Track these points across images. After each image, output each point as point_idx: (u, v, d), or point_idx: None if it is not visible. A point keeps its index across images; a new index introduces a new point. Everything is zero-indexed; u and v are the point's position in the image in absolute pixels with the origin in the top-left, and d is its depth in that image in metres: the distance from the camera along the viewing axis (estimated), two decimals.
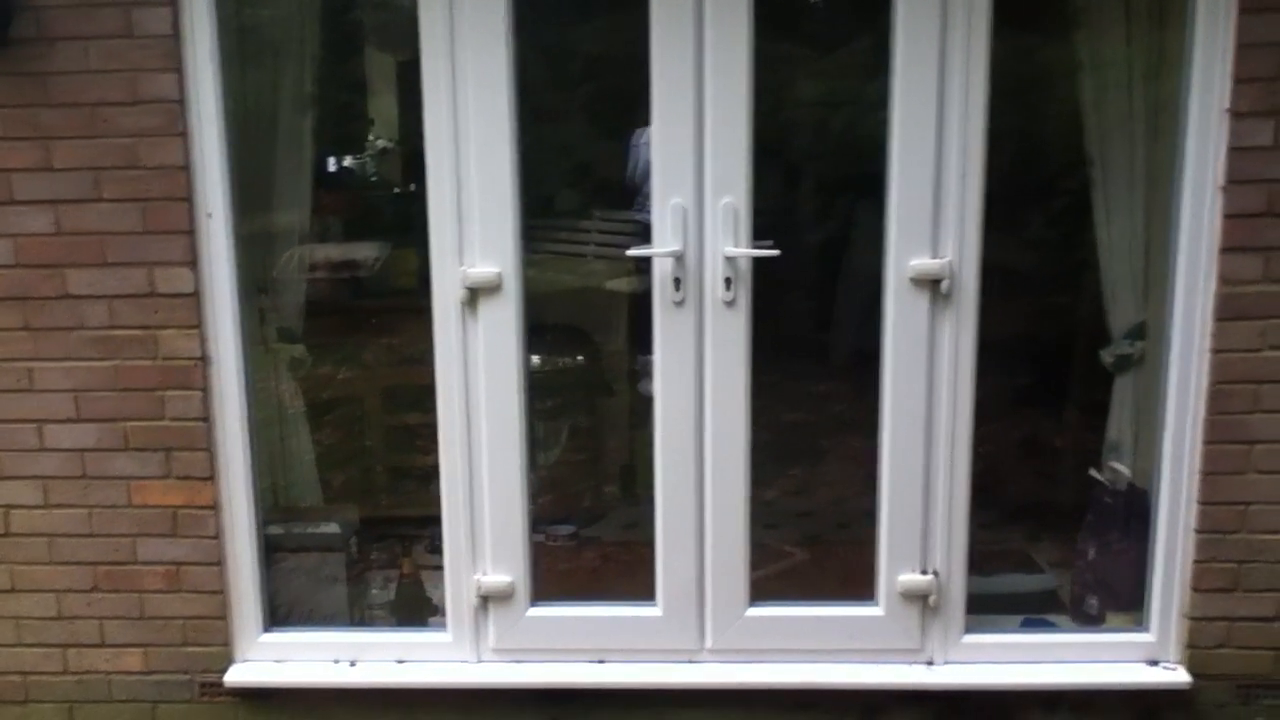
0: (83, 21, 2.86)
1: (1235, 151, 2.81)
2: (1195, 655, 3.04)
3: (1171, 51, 2.94)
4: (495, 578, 3.14)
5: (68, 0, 2.85)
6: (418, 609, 3.47)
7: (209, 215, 2.99)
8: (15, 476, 3.10)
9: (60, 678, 3.21)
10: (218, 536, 3.12)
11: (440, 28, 2.89)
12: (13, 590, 3.16)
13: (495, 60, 2.89)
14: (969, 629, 3.11)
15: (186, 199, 2.95)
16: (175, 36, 2.88)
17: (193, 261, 2.98)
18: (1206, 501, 2.96)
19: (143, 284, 2.98)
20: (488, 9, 2.86)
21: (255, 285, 3.29)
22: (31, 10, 2.85)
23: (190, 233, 2.97)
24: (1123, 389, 3.28)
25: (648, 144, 3.03)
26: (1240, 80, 2.78)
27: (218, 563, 3.14)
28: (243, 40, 3.12)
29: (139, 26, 2.86)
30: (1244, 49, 2.76)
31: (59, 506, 3.11)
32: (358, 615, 3.50)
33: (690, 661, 3.15)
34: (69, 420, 3.06)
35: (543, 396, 3.99)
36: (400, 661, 3.22)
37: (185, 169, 2.94)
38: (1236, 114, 2.79)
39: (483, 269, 2.99)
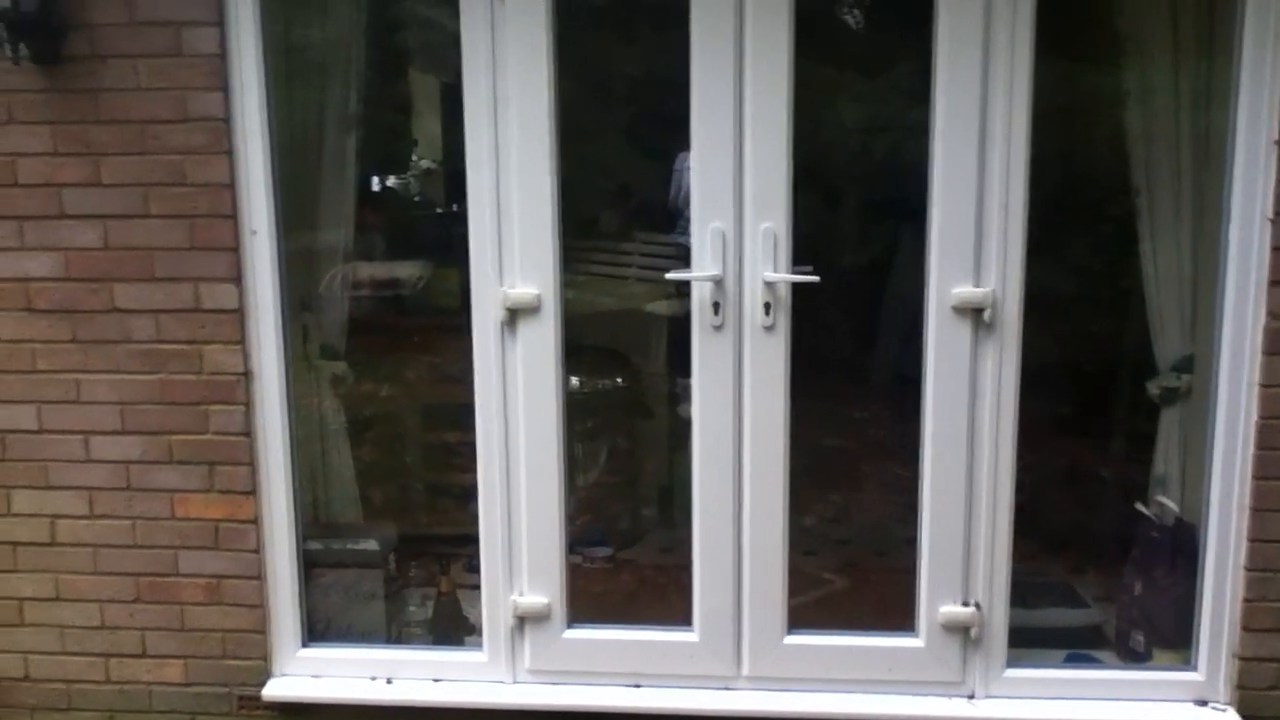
0: (133, 40, 2.91)
1: None
2: (1246, 696, 2.98)
3: (1219, 81, 2.91)
4: (532, 598, 3.14)
5: (118, 19, 2.91)
6: (454, 628, 3.47)
7: (254, 232, 3.02)
8: (62, 487, 3.14)
9: (102, 687, 3.24)
10: (258, 551, 3.14)
11: (483, 49, 2.91)
12: (57, 599, 3.20)
13: (537, 82, 2.90)
14: (1011, 663, 3.07)
15: (232, 216, 2.99)
16: (222, 56, 2.93)
17: (237, 278, 3.02)
18: (1256, 539, 2.91)
19: (188, 299, 3.02)
20: (530, 31, 2.88)
21: (299, 302, 3.32)
22: (84, 29, 2.91)
23: (235, 249, 3.00)
24: (1169, 422, 3.22)
25: (690, 169, 3.03)
26: None
27: (257, 577, 3.16)
28: (289, 60, 3.16)
29: (187, 46, 2.91)
30: None
31: (103, 517, 3.15)
32: (395, 632, 3.50)
33: (726, 689, 3.13)
34: (114, 432, 3.10)
35: (581, 418, 3.98)
36: (436, 680, 3.22)
37: (231, 186, 2.98)
38: None
39: (522, 290, 3.00)
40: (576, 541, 3.56)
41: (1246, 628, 2.96)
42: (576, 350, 3.16)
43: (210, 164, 2.96)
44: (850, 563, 3.95)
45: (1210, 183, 2.97)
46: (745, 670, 3.11)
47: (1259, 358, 2.85)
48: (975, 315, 2.91)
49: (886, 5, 5.00)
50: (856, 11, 5.30)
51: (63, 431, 3.11)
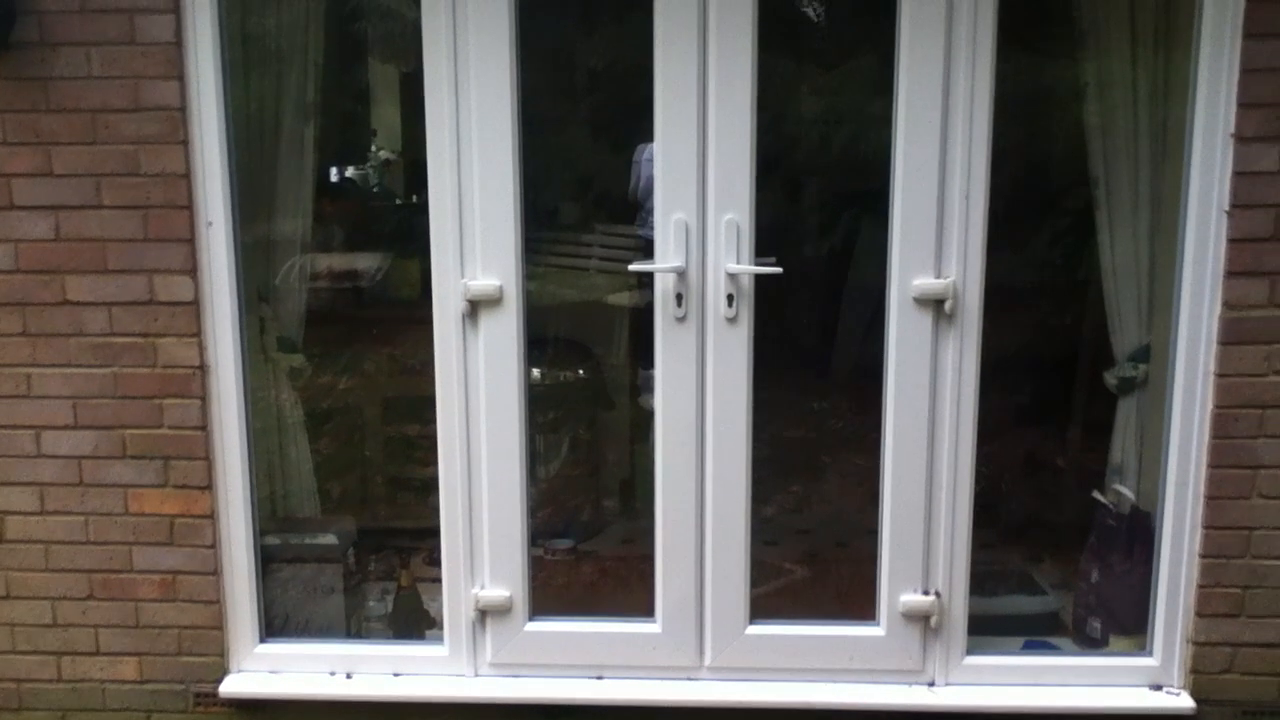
0: (85, 27, 2.86)
1: (1240, 176, 2.81)
2: (1199, 680, 3.03)
3: (1177, 75, 2.95)
4: (493, 591, 3.12)
5: (70, 5, 2.85)
6: (415, 621, 3.45)
7: (209, 223, 2.98)
8: (12, 483, 3.08)
9: (54, 685, 3.18)
10: (214, 546, 3.10)
11: (443, 39, 2.89)
12: (8, 597, 3.14)
13: (499, 71, 2.88)
14: (971, 650, 3.09)
15: (187, 207, 2.94)
16: (178, 44, 2.88)
17: (193, 269, 2.97)
18: (1211, 526, 2.95)
19: (143, 291, 2.97)
20: (492, 21, 2.86)
21: (256, 294, 3.28)
22: (34, 15, 2.84)
23: (191, 241, 2.96)
24: (1126, 411, 3.26)
25: (650, 160, 3.02)
26: (1245, 105, 2.78)
27: (214, 572, 3.12)
28: (246, 48, 3.12)
29: (141, 33, 2.86)
30: (1248, 74, 2.76)
31: (55, 513, 3.09)
32: (354, 627, 3.48)
33: (689, 679, 3.13)
34: (67, 427, 3.05)
35: (543, 409, 3.97)
36: (396, 674, 3.19)
37: (186, 177, 2.93)
38: (1241, 139, 2.79)
39: (484, 281, 2.97)
40: (539, 534, 3.55)
41: (1200, 613, 3.00)
42: (539, 342, 3.15)
43: (165, 154, 2.91)
44: (812, 553, 3.97)
45: (1168, 175, 3.01)
46: (708, 660, 3.11)
47: (1214, 347, 2.89)
48: (936, 306, 2.93)
49: None
50: (818, 3, 5.31)
51: (13, 426, 3.05)
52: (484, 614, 3.14)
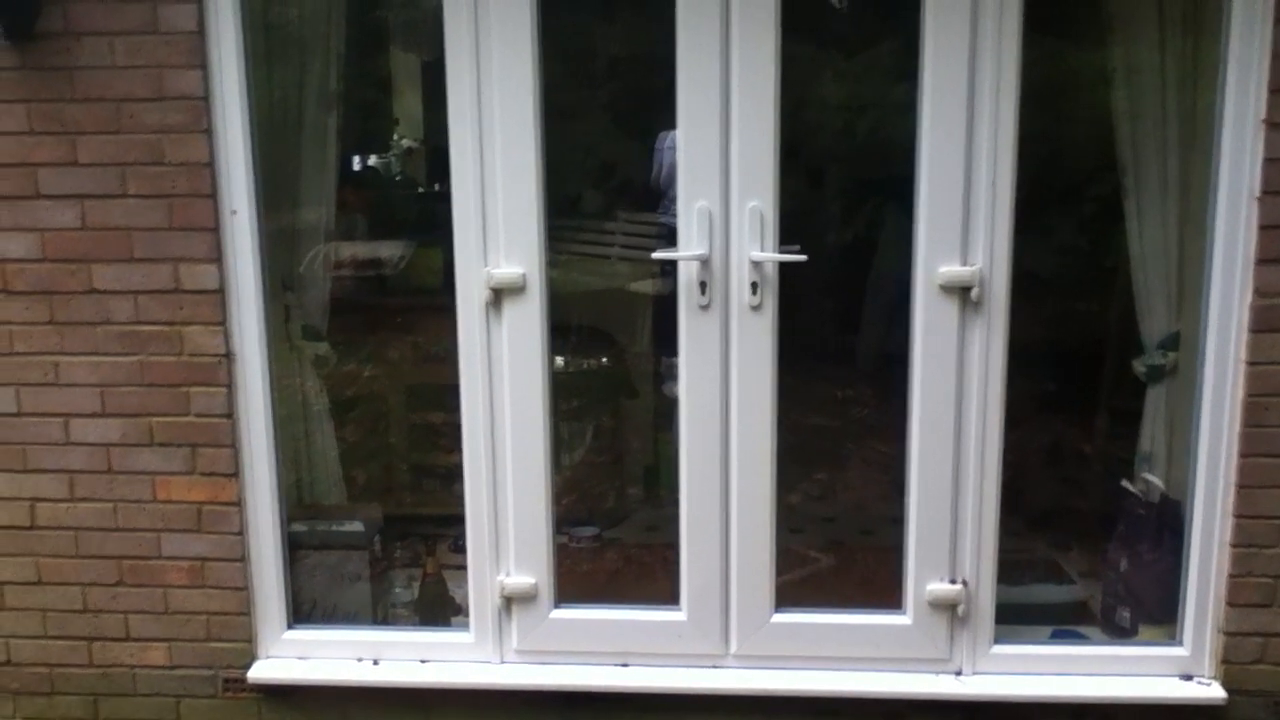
0: (108, 17, 2.86)
1: (1271, 162, 2.77)
2: (1230, 670, 3.00)
3: (1207, 60, 2.90)
4: (518, 579, 3.13)
5: None
6: (441, 609, 3.46)
7: (234, 212, 2.99)
8: (41, 470, 3.11)
9: (85, 670, 3.22)
10: (241, 533, 3.12)
11: (465, 27, 2.88)
12: (39, 583, 3.17)
13: (520, 60, 2.87)
14: (998, 639, 3.08)
15: (211, 196, 2.95)
16: (200, 33, 2.88)
17: (218, 258, 2.98)
18: (1241, 515, 2.92)
19: (168, 280, 2.99)
20: (513, 9, 2.85)
21: (280, 282, 3.30)
22: (58, 5, 2.85)
23: (215, 229, 2.97)
24: (1155, 399, 3.23)
25: (672, 148, 3.01)
26: (1276, 90, 2.73)
27: (241, 559, 3.14)
28: (268, 38, 3.12)
29: (164, 22, 2.86)
30: None
31: (84, 500, 3.12)
32: (381, 614, 3.49)
33: (714, 667, 3.13)
34: (94, 415, 3.07)
35: (567, 397, 3.98)
36: (423, 661, 3.21)
37: (210, 165, 2.94)
38: (1273, 124, 2.75)
39: (507, 269, 2.97)
40: (563, 521, 3.55)
41: (1231, 603, 2.97)
42: (562, 330, 3.14)
43: (189, 143, 2.92)
44: (837, 541, 3.96)
45: (1197, 161, 2.97)
46: (733, 649, 3.11)
47: (1245, 335, 2.85)
48: (963, 294, 2.90)
49: None
50: None
51: (41, 414, 3.07)
52: (509, 601, 3.15)
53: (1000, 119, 2.82)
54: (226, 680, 3.20)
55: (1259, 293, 2.82)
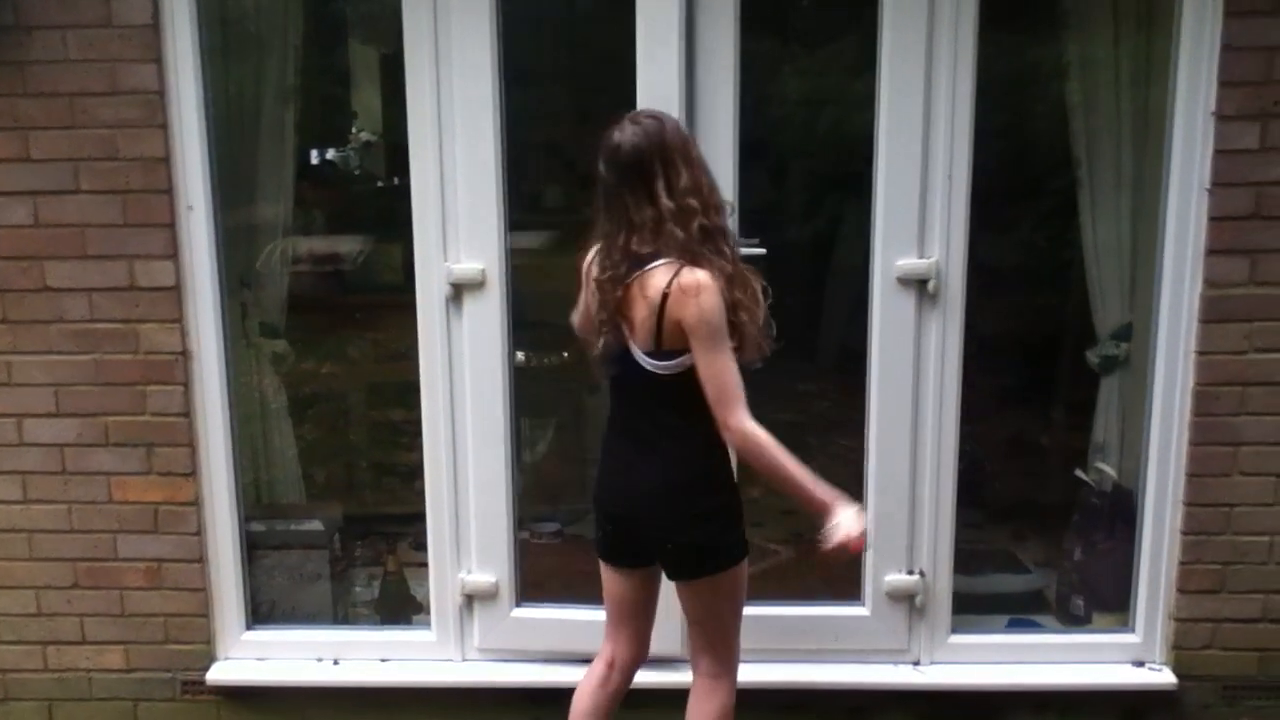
0: (61, 10, 2.83)
1: (1221, 154, 2.82)
2: (1181, 656, 3.05)
3: (1159, 54, 2.95)
4: (479, 577, 3.12)
5: None
6: (402, 607, 3.45)
7: (190, 208, 2.96)
8: None
9: (40, 675, 3.17)
10: (199, 533, 3.09)
11: (424, 19, 2.86)
12: None
13: (480, 53, 2.86)
14: (955, 629, 3.11)
15: (167, 191, 2.92)
16: (155, 27, 2.85)
17: (174, 255, 2.95)
18: (1192, 503, 2.97)
19: (123, 277, 2.95)
20: (473, 1, 2.83)
21: (238, 279, 3.26)
22: None
23: (171, 225, 2.94)
24: (1109, 390, 3.28)
25: None
26: (1226, 83, 2.78)
27: (199, 560, 3.11)
28: (225, 31, 3.10)
29: (118, 16, 2.83)
30: (1229, 52, 2.77)
31: (38, 502, 3.08)
32: (341, 613, 3.47)
33: (673, 662, 3.13)
34: (48, 415, 3.03)
35: (529, 393, 3.97)
36: (384, 660, 3.20)
37: (166, 161, 2.91)
38: (1222, 117, 2.80)
39: (467, 265, 2.96)
40: (524, 518, 3.54)
41: (1182, 590, 3.02)
42: (523, 325, 3.13)
43: (144, 138, 2.89)
44: (796, 533, 3.98)
45: (1149, 154, 3.02)
46: None
47: (1196, 326, 2.90)
48: (919, 286, 2.93)
49: None
50: None
51: None
52: (470, 599, 3.14)
53: (957, 113, 2.85)
54: (185, 683, 3.17)
55: (1209, 283, 2.87)
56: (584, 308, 2.52)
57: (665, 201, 2.28)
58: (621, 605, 2.61)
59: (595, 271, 2.40)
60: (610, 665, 2.63)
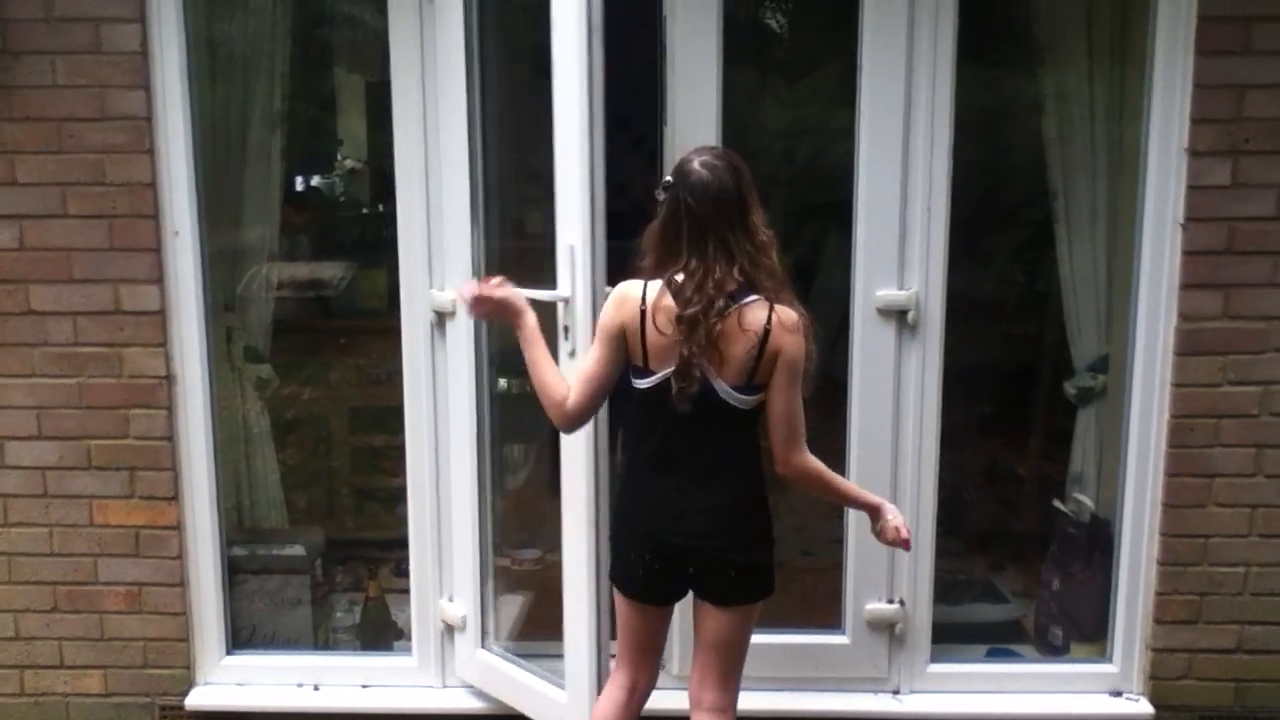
0: (50, 36, 2.85)
1: (1194, 190, 2.87)
2: (1158, 686, 3.07)
3: (1132, 90, 3.00)
4: (455, 607, 3.12)
5: (35, 14, 2.84)
6: (383, 632, 3.44)
7: (176, 233, 2.97)
8: None
9: (16, 700, 3.15)
10: (180, 557, 3.09)
11: (411, 48, 2.89)
12: None
13: (461, 83, 2.86)
14: (935, 658, 3.13)
15: (153, 216, 2.94)
16: (144, 53, 2.88)
17: (159, 279, 2.96)
18: (1168, 534, 3.00)
19: (108, 301, 2.96)
20: (459, 32, 2.85)
21: (222, 303, 3.27)
22: None
23: (157, 250, 2.95)
24: (1086, 421, 3.31)
25: None
26: (1198, 120, 2.84)
27: (180, 584, 3.10)
28: (212, 58, 3.12)
29: (107, 42, 2.85)
30: (1201, 90, 2.82)
31: (19, 525, 3.07)
32: (322, 638, 3.46)
33: (659, 689, 3.13)
34: (30, 437, 3.02)
35: (512, 419, 3.98)
36: (364, 686, 3.19)
37: (152, 186, 2.93)
38: (1195, 153, 2.85)
39: (452, 292, 2.98)
40: (504, 544, 3.55)
41: (1159, 620, 3.05)
42: (509, 352, 3.15)
43: (131, 163, 2.90)
44: (778, 561, 3.99)
45: (1124, 188, 3.07)
46: (674, 670, 3.12)
47: (1171, 358, 2.94)
48: (899, 317, 2.96)
49: (811, 9, 5.06)
50: (782, 15, 5.35)
51: None
52: (450, 627, 3.14)
53: (935, 145, 2.89)
54: (163, 708, 3.16)
55: (1183, 316, 2.91)
56: (630, 348, 2.35)
57: (762, 235, 2.30)
58: (645, 639, 2.55)
59: (672, 306, 2.27)
60: (632, 692, 2.57)
